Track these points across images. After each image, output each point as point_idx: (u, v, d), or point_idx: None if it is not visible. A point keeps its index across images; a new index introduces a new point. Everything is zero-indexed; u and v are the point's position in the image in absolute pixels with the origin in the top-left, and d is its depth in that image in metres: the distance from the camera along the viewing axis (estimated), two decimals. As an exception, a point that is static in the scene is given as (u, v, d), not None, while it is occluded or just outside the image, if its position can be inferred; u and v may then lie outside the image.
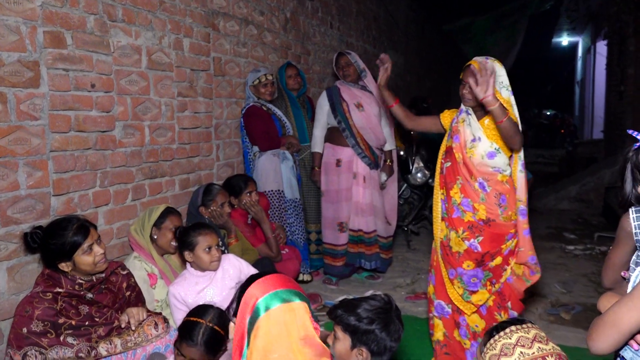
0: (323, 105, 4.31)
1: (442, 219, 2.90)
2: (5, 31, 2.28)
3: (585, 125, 16.17)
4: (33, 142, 2.41)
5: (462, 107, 2.85)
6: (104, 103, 2.80)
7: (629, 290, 1.47)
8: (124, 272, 2.48)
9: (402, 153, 5.50)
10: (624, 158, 1.64)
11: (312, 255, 4.48)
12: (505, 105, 2.64)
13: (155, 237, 2.85)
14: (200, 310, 2.18)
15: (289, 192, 4.12)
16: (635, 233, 1.71)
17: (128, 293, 2.45)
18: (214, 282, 2.65)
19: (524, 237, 2.82)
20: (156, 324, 2.32)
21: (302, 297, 1.45)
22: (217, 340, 2.11)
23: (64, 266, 2.20)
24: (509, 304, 2.86)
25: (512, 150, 2.72)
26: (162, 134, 3.28)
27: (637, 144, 1.58)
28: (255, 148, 4.07)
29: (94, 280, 2.30)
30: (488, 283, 2.79)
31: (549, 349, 1.53)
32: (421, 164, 5.51)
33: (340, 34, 6.13)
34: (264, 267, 3.08)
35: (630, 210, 1.73)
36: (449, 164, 2.86)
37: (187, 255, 2.63)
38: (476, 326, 2.84)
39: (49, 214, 2.51)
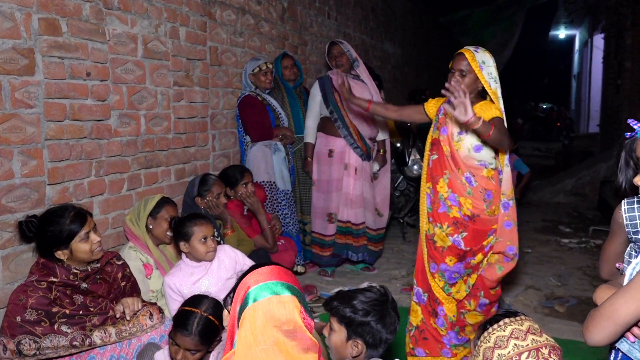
0: (315, 95, 4.28)
1: (427, 213, 2.89)
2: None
3: (581, 119, 16.17)
4: (28, 130, 2.39)
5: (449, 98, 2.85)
6: (99, 92, 2.78)
7: (625, 282, 1.47)
8: (119, 263, 2.48)
9: (398, 145, 5.48)
10: (619, 146, 1.64)
11: (306, 246, 4.48)
12: (492, 96, 2.66)
13: (151, 227, 2.84)
14: (195, 300, 2.17)
15: (281, 183, 4.10)
16: (626, 225, 1.72)
17: (123, 283, 2.45)
18: (209, 272, 2.65)
19: (504, 228, 2.83)
20: (151, 314, 2.33)
21: (294, 290, 1.43)
22: (211, 330, 2.11)
23: (61, 254, 2.19)
24: (481, 292, 2.88)
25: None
26: (158, 124, 3.26)
27: (630, 133, 1.58)
28: (249, 138, 4.05)
29: (89, 270, 2.29)
30: (466, 276, 2.83)
31: (543, 341, 1.53)
32: (417, 156, 5.49)
33: (338, 25, 6.10)
34: (260, 258, 3.08)
35: (622, 202, 1.74)
36: (435, 156, 2.83)
37: (183, 245, 2.62)
38: (453, 316, 2.86)
39: (44, 203, 2.49)
